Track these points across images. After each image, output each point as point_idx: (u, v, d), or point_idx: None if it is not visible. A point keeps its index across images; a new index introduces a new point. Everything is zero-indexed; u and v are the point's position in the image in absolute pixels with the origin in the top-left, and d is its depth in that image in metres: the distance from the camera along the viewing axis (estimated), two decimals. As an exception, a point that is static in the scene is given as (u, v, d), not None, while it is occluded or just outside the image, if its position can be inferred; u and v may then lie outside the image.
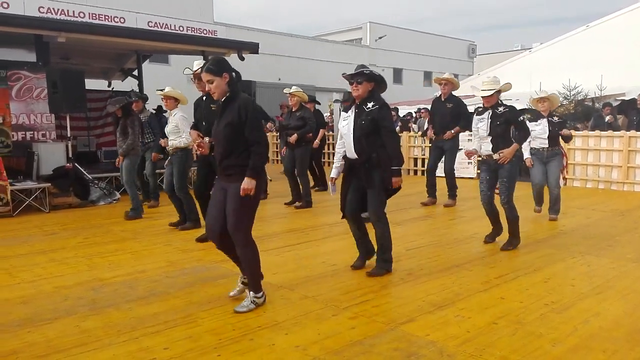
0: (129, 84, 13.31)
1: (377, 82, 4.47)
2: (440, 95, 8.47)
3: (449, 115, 8.25)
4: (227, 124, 3.60)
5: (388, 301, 3.93)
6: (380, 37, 32.59)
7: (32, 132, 9.62)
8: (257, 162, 3.62)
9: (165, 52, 14.36)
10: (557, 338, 3.23)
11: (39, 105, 9.56)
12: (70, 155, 9.00)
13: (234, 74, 3.68)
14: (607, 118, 11.71)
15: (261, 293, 3.82)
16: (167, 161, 6.61)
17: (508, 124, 5.31)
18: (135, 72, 13.19)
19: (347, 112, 4.53)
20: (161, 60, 20.89)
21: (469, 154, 5.48)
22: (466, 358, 2.99)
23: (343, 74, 4.56)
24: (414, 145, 13.36)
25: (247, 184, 3.56)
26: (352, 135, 4.40)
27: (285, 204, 8.45)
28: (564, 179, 7.36)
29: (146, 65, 13.36)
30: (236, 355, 3.05)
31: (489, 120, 5.36)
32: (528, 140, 6.81)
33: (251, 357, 3.03)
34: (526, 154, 6.89)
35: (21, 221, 7.44)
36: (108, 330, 3.40)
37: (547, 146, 6.79)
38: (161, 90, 6.34)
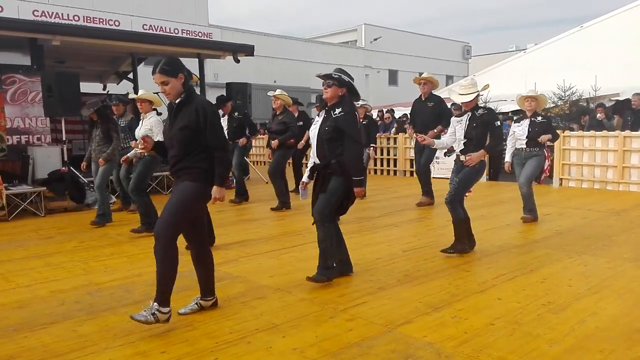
0: (124, 87, 13.30)
1: (348, 88, 4.36)
2: (420, 95, 8.37)
3: (430, 114, 8.21)
4: (184, 127, 3.42)
5: (385, 303, 3.93)
6: (375, 39, 32.65)
7: (27, 136, 9.60)
8: (223, 170, 3.51)
9: (161, 54, 14.31)
10: (554, 338, 3.24)
11: (34, 108, 9.54)
12: (65, 158, 8.98)
13: (186, 73, 3.53)
14: (598, 116, 11.77)
15: (168, 309, 3.42)
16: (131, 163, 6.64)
17: (485, 127, 5.22)
18: (131, 75, 13.18)
19: (318, 116, 4.47)
20: (156, 63, 20.86)
21: (423, 140, 5.52)
22: (463, 359, 2.99)
23: (317, 74, 4.45)
24: (410, 147, 13.38)
25: (218, 192, 3.50)
26: (315, 140, 4.37)
27: (272, 209, 8.29)
28: (540, 181, 7.27)
29: (141, 68, 13.34)
30: (233, 358, 3.05)
31: (467, 123, 5.29)
32: (512, 142, 6.91)
33: (249, 360, 3.03)
34: (507, 157, 7.01)
35: (17, 225, 7.40)
36: (104, 335, 3.38)
37: (525, 147, 6.74)
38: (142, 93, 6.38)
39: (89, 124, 7.48)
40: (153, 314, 3.33)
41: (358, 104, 9.75)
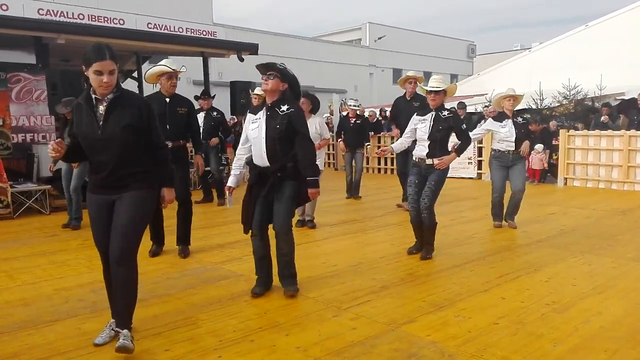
0: (128, 86, 13.31)
1: (290, 84, 4.05)
2: (405, 94, 7.98)
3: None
4: (127, 125, 3.01)
5: (388, 302, 3.93)
6: (379, 38, 32.59)
7: (32, 134, 9.62)
8: (169, 169, 3.32)
9: (165, 53, 14.32)
10: (558, 338, 3.23)
11: (38, 107, 9.56)
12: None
13: None
14: (603, 118, 11.69)
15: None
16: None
17: (449, 130, 5.10)
18: (135, 74, 13.20)
19: (255, 114, 4.05)
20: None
21: (383, 152, 5.39)
22: (467, 358, 2.99)
23: (257, 65, 4.02)
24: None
25: (170, 194, 3.30)
26: (264, 140, 3.93)
27: None
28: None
29: (146, 67, 13.33)
30: (237, 356, 3.05)
31: (431, 123, 5.08)
32: (479, 135, 6.90)
33: (252, 358, 3.03)
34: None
35: (22, 223, 7.43)
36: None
37: (514, 149, 6.35)
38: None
39: (61, 122, 7.26)
40: (131, 340, 3.04)
41: (350, 105, 9.66)
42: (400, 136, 7.68)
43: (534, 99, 14.18)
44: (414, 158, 5.26)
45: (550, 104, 14.19)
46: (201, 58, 12.21)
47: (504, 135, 6.38)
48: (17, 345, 3.24)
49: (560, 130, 11.09)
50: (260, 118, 4.00)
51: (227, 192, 4.22)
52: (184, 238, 5.45)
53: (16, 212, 7.85)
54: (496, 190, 6.55)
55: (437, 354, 3.05)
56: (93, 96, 3.03)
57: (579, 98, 14.22)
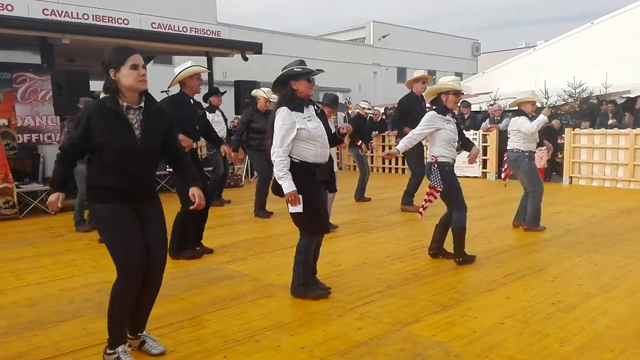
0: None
1: None
2: (412, 93, 7.87)
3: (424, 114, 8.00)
4: (162, 136, 3.00)
5: (394, 302, 3.92)
6: (383, 36, 32.51)
7: (37, 135, 9.66)
8: (195, 170, 3.32)
9: (169, 53, 14.39)
10: (564, 337, 3.22)
11: (44, 107, 9.60)
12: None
13: None
14: (610, 121, 11.62)
15: (115, 352, 2.90)
16: None
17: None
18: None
19: (301, 111, 3.84)
20: (165, 61, 20.96)
21: (389, 156, 5.02)
22: (473, 358, 2.98)
23: (317, 69, 4.00)
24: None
25: (200, 192, 3.17)
26: (326, 137, 3.98)
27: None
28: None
29: (150, 66, 13.35)
30: (242, 357, 3.06)
31: (455, 122, 5.02)
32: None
33: (257, 358, 3.04)
34: (542, 117, 6.27)
35: (27, 223, 7.47)
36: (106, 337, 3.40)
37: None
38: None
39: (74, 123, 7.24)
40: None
41: (363, 108, 9.59)
42: None
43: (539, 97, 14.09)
44: (451, 160, 4.95)
45: (556, 102, 14.13)
46: (205, 57, 12.23)
47: (535, 136, 6.34)
48: (23, 346, 3.25)
49: (566, 129, 11.04)
50: (311, 116, 3.92)
51: (297, 199, 3.73)
52: (201, 236, 5.55)
53: (22, 212, 7.88)
54: (543, 189, 6.30)
55: (443, 354, 3.04)
56: (124, 103, 2.85)
57: (584, 96, 14.16)
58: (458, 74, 33.69)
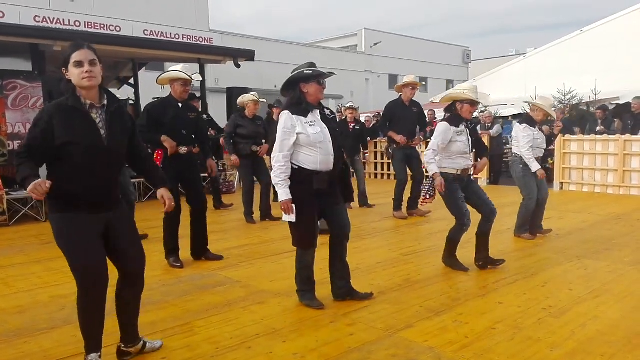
0: (125, 92, 13.32)
1: None
2: (401, 99, 7.82)
3: (415, 121, 7.95)
4: (127, 135, 2.90)
5: (386, 307, 3.93)
6: (375, 44, 32.68)
7: (28, 141, 9.59)
8: (160, 170, 3.21)
9: (162, 60, 14.37)
10: (555, 342, 3.24)
11: (35, 114, 9.50)
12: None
13: None
14: (598, 129, 11.73)
15: (96, 355, 2.90)
16: None
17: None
18: (132, 81, 13.21)
19: (305, 116, 3.74)
20: (157, 68, 20.93)
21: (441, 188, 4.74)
22: (464, 363, 2.98)
23: (329, 72, 3.91)
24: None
25: (169, 194, 3.08)
26: (330, 143, 3.80)
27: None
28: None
29: (142, 74, 13.37)
30: (234, 363, 3.04)
31: (468, 134, 4.87)
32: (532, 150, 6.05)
33: (249, 365, 3.02)
34: (536, 165, 6.03)
35: (17, 230, 7.41)
36: (105, 339, 3.35)
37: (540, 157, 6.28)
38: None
39: None
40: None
41: (346, 105, 9.70)
42: (408, 142, 7.63)
43: (529, 104, 14.20)
44: (455, 171, 4.78)
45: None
46: (198, 64, 12.24)
47: (540, 142, 6.20)
48: (13, 353, 3.23)
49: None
50: (315, 121, 3.78)
51: (290, 208, 3.70)
52: (205, 244, 5.48)
53: (12, 219, 7.83)
54: (533, 199, 6.16)
55: (435, 359, 3.05)
56: (86, 101, 2.71)
57: (574, 103, 14.29)
58: (449, 81, 33.98)
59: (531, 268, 4.94)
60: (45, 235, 7.02)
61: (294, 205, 3.70)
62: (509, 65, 20.69)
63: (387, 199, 9.62)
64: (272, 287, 4.47)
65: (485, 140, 12.05)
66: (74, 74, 2.67)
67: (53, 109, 2.69)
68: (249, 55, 12.37)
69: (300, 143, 3.71)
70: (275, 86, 26.42)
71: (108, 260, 2.87)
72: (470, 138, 4.88)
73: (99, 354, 2.91)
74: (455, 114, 4.83)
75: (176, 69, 5.24)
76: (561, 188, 10.87)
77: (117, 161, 2.88)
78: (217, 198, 9.06)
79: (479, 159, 5.19)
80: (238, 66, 12.21)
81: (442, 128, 4.77)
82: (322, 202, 3.85)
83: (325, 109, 3.96)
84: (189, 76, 5.21)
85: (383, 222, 7.52)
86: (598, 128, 11.73)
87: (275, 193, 3.88)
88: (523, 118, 6.31)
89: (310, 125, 3.73)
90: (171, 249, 5.27)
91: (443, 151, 4.76)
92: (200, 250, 5.43)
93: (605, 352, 3.09)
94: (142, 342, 3.17)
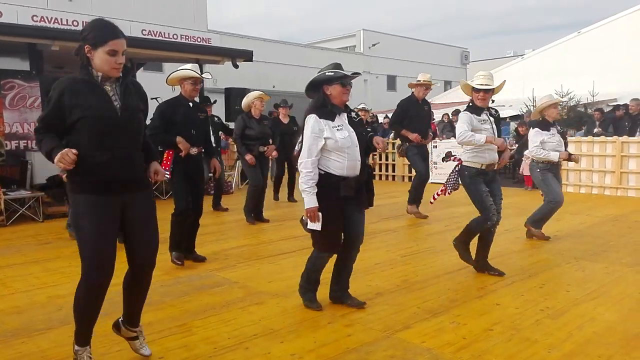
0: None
1: None
2: (414, 97, 7.82)
3: (428, 119, 8.05)
4: (137, 109, 2.78)
5: (384, 308, 3.93)
6: (373, 45, 32.71)
7: (25, 141, 9.59)
8: (153, 147, 3.09)
9: (160, 60, 14.38)
10: (552, 344, 3.24)
11: (32, 114, 9.53)
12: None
13: None
14: (596, 130, 11.76)
15: (84, 350, 2.88)
16: None
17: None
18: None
19: (332, 120, 3.64)
20: (155, 68, 20.92)
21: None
22: (462, 365, 2.99)
23: (354, 73, 3.81)
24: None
25: (159, 167, 2.99)
26: (357, 148, 3.69)
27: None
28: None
29: (140, 73, 13.34)
30: (232, 364, 3.04)
31: (492, 122, 4.70)
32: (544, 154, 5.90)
33: (247, 365, 3.02)
34: (555, 154, 5.88)
35: (15, 231, 7.39)
36: (103, 340, 3.37)
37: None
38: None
39: None
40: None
41: (359, 107, 9.71)
42: (421, 139, 7.58)
43: (527, 105, 14.27)
44: (479, 166, 4.66)
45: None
46: (196, 64, 12.24)
47: (556, 144, 5.96)
48: (10, 354, 3.22)
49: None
50: (342, 125, 3.66)
51: (317, 216, 3.57)
52: (193, 246, 5.50)
53: (9, 219, 7.80)
54: (559, 202, 6.02)
55: (432, 360, 3.05)
56: (98, 74, 2.65)
57: (571, 104, 14.33)
58: (447, 82, 34.03)
59: (529, 269, 4.95)
60: (43, 236, 7.01)
61: (320, 214, 3.57)
62: (507, 66, 20.77)
63: (386, 200, 9.64)
64: (270, 287, 4.47)
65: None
66: (103, 59, 2.61)
67: (64, 84, 2.63)
68: (247, 56, 12.38)
69: (328, 148, 3.59)
70: (274, 86, 26.46)
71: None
72: (494, 127, 4.72)
73: (87, 347, 2.91)
74: (473, 103, 4.73)
75: (185, 68, 5.22)
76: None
77: (133, 135, 2.74)
78: (217, 199, 9.05)
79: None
80: (236, 66, 12.21)
81: (464, 116, 4.65)
82: (344, 206, 3.75)
83: (352, 112, 3.85)
84: (199, 74, 5.18)
85: (382, 223, 7.53)
86: (595, 130, 11.76)
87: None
88: (535, 122, 6.13)
89: (337, 130, 3.61)
90: (177, 242, 5.28)
91: (470, 143, 4.59)
92: (187, 250, 5.42)
93: (603, 354, 3.10)
94: (138, 332, 3.11)
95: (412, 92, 7.91)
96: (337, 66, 3.72)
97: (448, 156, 5.56)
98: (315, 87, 3.72)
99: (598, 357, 3.06)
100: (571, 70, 16.12)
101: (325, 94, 3.66)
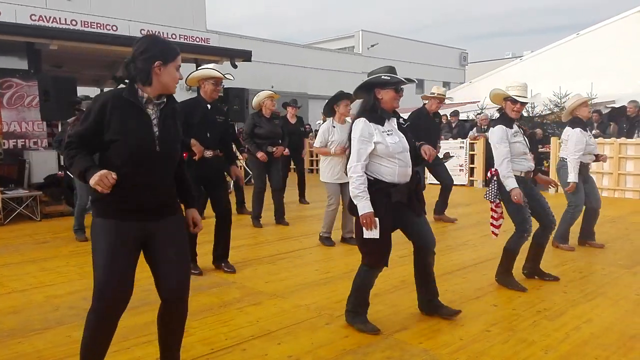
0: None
1: None
2: (426, 110, 7.57)
3: (439, 133, 7.98)
4: (176, 139, 2.62)
5: (381, 309, 3.93)
6: (372, 45, 32.75)
7: (23, 140, 9.58)
8: (191, 187, 2.91)
9: (158, 59, 14.31)
10: (549, 345, 3.24)
11: (30, 113, 9.53)
12: (62, 163, 8.95)
13: None
14: (594, 132, 11.78)
15: None
16: None
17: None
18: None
19: (382, 124, 3.48)
20: (154, 68, 20.97)
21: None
22: (459, 366, 2.99)
23: (406, 78, 3.60)
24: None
25: (198, 216, 2.84)
26: (408, 154, 3.54)
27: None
28: None
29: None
30: (229, 364, 3.04)
31: (523, 135, 4.51)
32: (579, 156, 5.62)
33: (244, 366, 3.02)
34: (573, 177, 5.64)
35: (12, 230, 7.38)
36: None
37: (590, 161, 5.85)
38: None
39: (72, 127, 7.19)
40: None
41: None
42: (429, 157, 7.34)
43: (525, 107, 14.24)
44: (518, 173, 4.40)
45: (542, 112, 14.31)
46: (194, 64, 12.23)
47: (593, 147, 5.73)
48: (6, 354, 3.21)
49: (552, 138, 11.16)
50: (392, 130, 3.51)
51: (374, 222, 3.36)
52: (226, 253, 5.15)
53: (7, 218, 7.79)
54: (581, 207, 5.80)
55: (429, 361, 3.05)
56: (143, 94, 2.47)
57: (570, 106, 14.33)
58: (446, 83, 34.05)
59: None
60: (40, 235, 7.00)
61: (377, 219, 3.35)
62: (506, 67, 20.77)
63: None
64: (268, 288, 4.47)
65: (482, 142, 12.08)
66: (171, 74, 2.49)
67: (107, 97, 2.47)
68: (246, 56, 12.37)
69: (378, 153, 3.42)
70: (272, 86, 26.43)
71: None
72: (526, 140, 4.52)
73: None
74: (504, 114, 4.46)
75: (208, 67, 4.97)
76: (556, 191, 10.87)
77: (167, 164, 2.57)
78: (240, 203, 8.89)
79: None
80: (235, 66, 12.20)
81: (499, 133, 4.38)
82: (399, 215, 3.54)
83: (400, 118, 3.70)
84: (222, 74, 4.90)
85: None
86: (593, 131, 11.77)
87: (350, 206, 3.57)
88: (573, 121, 5.72)
89: (388, 135, 3.45)
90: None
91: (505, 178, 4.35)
92: (219, 258, 5.11)
93: (599, 355, 3.10)
94: None
95: (424, 105, 7.62)
96: (391, 70, 3.55)
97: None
98: (367, 89, 3.54)
99: (595, 358, 3.06)
100: (569, 72, 16.13)
101: (377, 98, 3.49)
